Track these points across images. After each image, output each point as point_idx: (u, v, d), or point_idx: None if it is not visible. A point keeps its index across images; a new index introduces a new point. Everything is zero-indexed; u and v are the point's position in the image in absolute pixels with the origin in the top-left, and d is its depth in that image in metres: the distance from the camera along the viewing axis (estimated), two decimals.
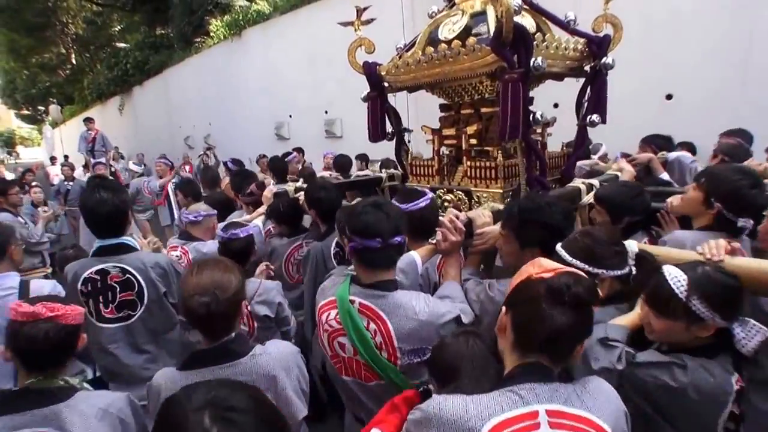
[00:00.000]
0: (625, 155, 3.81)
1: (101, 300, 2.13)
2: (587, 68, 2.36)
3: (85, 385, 1.48)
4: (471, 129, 2.34)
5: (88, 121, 10.58)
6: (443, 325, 1.61)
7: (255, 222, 2.93)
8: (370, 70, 2.61)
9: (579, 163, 3.13)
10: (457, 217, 1.91)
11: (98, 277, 2.12)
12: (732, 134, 3.59)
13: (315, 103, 9.14)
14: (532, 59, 1.96)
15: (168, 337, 2.30)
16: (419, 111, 5.51)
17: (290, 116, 10.21)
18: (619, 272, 1.51)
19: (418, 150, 4.53)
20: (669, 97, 4.95)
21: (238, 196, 3.77)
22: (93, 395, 1.42)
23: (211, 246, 2.83)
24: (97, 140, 10.19)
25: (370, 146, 2.97)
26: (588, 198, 2.32)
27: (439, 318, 1.61)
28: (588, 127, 2.37)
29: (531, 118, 2.05)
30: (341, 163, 5.78)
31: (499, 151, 2.29)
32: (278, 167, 5.04)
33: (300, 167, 6.13)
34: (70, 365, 1.55)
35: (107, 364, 2.21)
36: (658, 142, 3.71)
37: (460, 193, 2.43)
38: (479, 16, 2.26)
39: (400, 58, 2.48)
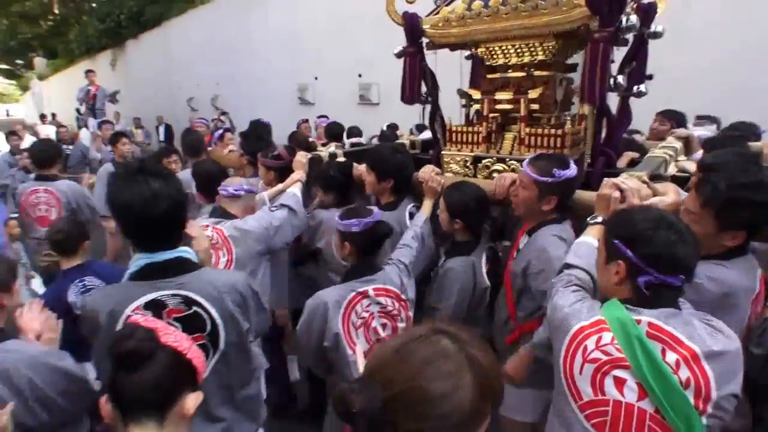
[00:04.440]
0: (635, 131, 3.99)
1: None
2: (629, 37, 2.45)
3: None
4: (534, 93, 2.46)
5: (89, 73, 10.42)
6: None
7: (292, 191, 2.92)
8: (411, 23, 2.65)
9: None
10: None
11: (149, 314, 1.56)
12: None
13: (347, 65, 9.03)
14: (624, 17, 2.11)
15: (247, 393, 1.86)
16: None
17: (316, 78, 10.11)
18: None
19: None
20: None
21: (248, 161, 3.88)
22: None
23: (252, 223, 2.60)
24: (98, 96, 10.11)
25: (410, 115, 3.02)
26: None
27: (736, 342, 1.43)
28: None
29: (613, 83, 2.23)
30: (335, 132, 5.79)
31: (568, 118, 2.43)
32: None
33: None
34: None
35: None
36: (677, 118, 3.93)
37: (514, 162, 2.47)
38: None
39: (437, 12, 2.59)
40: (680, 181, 2.17)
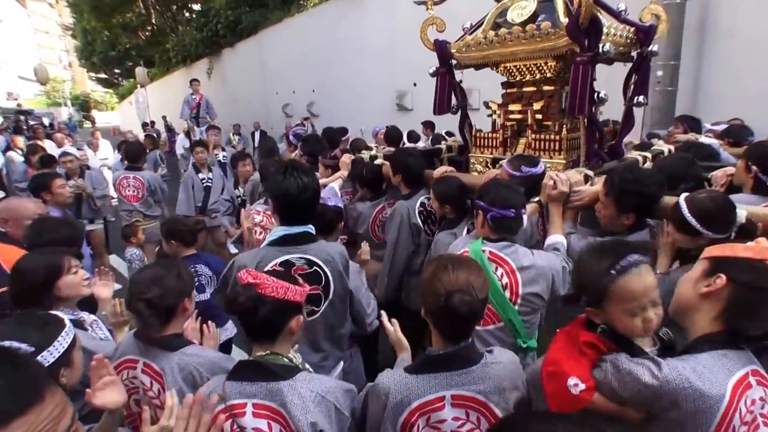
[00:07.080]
0: (653, 135, 4.68)
1: None
2: (634, 54, 3.14)
3: (307, 366, 1.83)
4: (537, 105, 3.23)
5: (194, 82, 11.73)
6: (556, 273, 2.42)
7: (331, 185, 3.70)
8: (441, 48, 3.43)
9: None
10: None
11: (282, 270, 2.25)
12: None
13: None
14: (601, 44, 2.73)
15: (341, 331, 2.60)
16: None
17: (415, 84, 10.74)
18: (721, 236, 2.10)
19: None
20: None
21: (307, 161, 4.68)
22: (314, 379, 1.72)
23: None
24: (201, 105, 11.28)
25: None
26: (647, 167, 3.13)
27: (553, 265, 2.43)
28: (634, 107, 3.23)
29: (596, 97, 2.85)
30: (393, 137, 6.91)
31: (565, 126, 3.08)
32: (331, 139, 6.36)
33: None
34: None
35: None
36: (689, 122, 4.64)
37: None
38: (547, 3, 3.03)
39: (463, 38, 3.30)
40: None
